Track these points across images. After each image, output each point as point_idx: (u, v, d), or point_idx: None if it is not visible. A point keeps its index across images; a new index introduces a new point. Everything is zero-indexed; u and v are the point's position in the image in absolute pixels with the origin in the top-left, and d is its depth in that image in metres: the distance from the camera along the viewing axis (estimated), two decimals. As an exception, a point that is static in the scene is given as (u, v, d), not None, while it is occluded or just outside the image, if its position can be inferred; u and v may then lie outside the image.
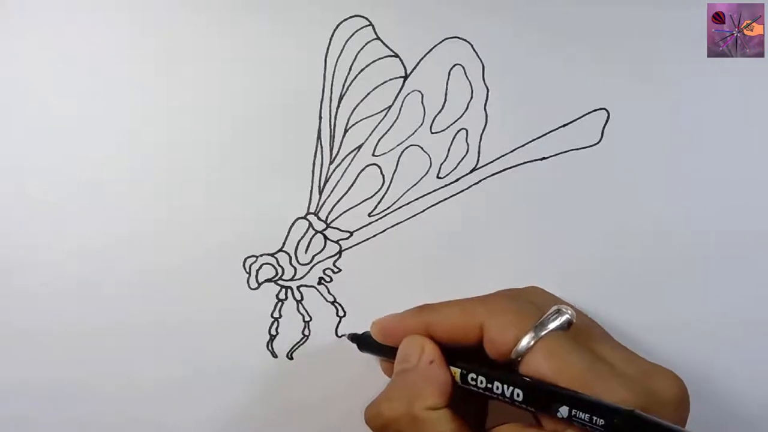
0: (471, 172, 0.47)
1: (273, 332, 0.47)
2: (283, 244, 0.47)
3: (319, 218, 0.47)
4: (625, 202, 0.46)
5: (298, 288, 0.47)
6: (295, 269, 0.47)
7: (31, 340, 0.47)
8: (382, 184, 0.47)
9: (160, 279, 0.47)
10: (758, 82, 0.46)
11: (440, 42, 0.46)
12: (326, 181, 0.47)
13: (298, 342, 0.47)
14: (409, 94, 0.47)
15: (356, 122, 0.47)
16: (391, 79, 0.47)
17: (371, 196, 0.47)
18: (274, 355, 0.47)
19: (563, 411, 0.35)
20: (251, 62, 0.46)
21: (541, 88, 0.46)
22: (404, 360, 0.41)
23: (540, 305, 0.40)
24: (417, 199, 0.47)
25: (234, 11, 0.46)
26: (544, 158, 0.47)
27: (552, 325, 0.38)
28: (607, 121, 0.46)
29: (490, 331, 0.39)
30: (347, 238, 0.47)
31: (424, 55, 0.47)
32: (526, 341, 0.38)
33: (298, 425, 0.47)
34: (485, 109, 0.47)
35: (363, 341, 0.45)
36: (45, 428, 0.47)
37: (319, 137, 0.47)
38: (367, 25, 0.46)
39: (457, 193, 0.47)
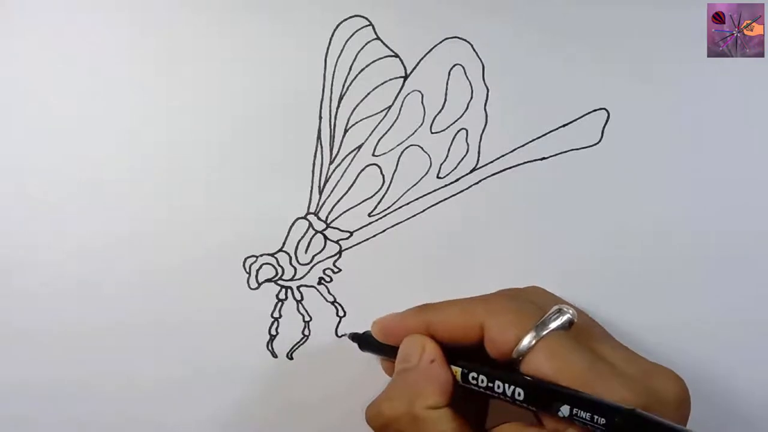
0: (471, 172, 0.47)
1: (273, 332, 0.47)
2: (283, 244, 0.47)
3: (319, 218, 0.47)
4: (625, 202, 0.46)
5: (298, 288, 0.47)
6: (295, 269, 0.47)
7: (31, 340, 0.47)
8: (382, 184, 0.47)
9: (160, 279, 0.47)
10: (758, 82, 0.46)
11: (440, 42, 0.46)
12: (326, 181, 0.47)
13: (298, 342, 0.47)
14: (409, 94, 0.47)
15: (356, 122, 0.47)
16: (391, 79, 0.47)
17: (371, 196, 0.47)
18: (274, 355, 0.47)
19: (564, 410, 0.35)
20: (251, 62, 0.46)
21: (541, 88, 0.46)
22: (405, 359, 0.41)
23: (541, 305, 0.40)
24: (417, 199, 0.47)
25: (234, 11, 0.46)
26: (544, 158, 0.47)
27: (553, 325, 0.38)
28: (607, 121, 0.46)
29: (491, 331, 0.39)
30: (347, 238, 0.47)
31: (424, 55, 0.47)
32: (527, 341, 0.38)
33: (298, 425, 0.47)
34: (485, 109, 0.47)
35: (364, 340, 0.45)
36: (45, 428, 0.47)
37: (319, 137, 0.47)
38: (367, 25, 0.46)
39: (457, 193, 0.47)
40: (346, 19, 0.46)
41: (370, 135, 0.47)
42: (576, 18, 0.46)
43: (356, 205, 0.47)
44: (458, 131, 0.47)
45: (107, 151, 0.46)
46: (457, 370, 0.40)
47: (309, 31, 0.46)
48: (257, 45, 0.46)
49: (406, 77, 0.47)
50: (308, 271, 0.47)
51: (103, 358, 0.47)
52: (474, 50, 0.46)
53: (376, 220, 0.47)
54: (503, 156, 0.47)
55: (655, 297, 0.46)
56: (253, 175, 0.47)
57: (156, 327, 0.47)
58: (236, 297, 0.47)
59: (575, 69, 0.46)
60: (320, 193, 0.47)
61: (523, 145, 0.47)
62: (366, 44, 0.46)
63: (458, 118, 0.47)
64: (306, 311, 0.47)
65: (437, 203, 0.47)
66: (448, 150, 0.47)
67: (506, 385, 0.37)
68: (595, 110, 0.46)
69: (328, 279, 0.47)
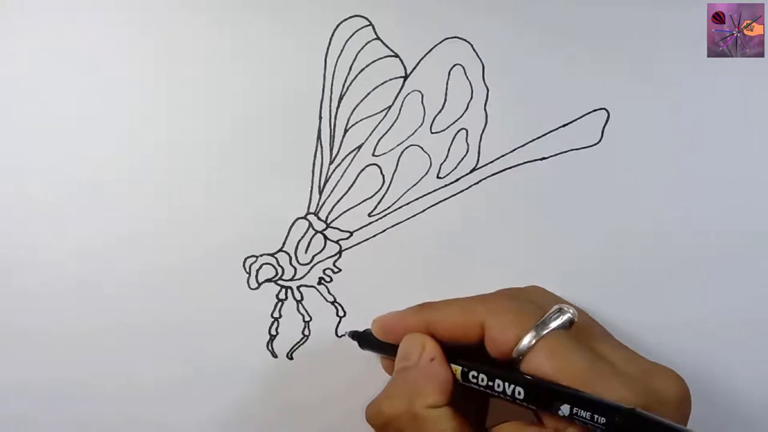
0: (471, 172, 0.47)
1: (273, 332, 0.47)
2: (283, 244, 0.47)
3: (319, 218, 0.47)
4: (625, 202, 0.46)
5: (298, 288, 0.47)
6: (295, 269, 0.47)
7: (31, 340, 0.47)
8: (382, 184, 0.47)
9: (160, 279, 0.47)
10: (758, 82, 0.46)
11: (440, 42, 0.46)
12: (326, 181, 0.47)
13: (298, 342, 0.47)
14: (409, 94, 0.47)
15: (356, 122, 0.47)
16: (391, 79, 0.47)
17: (371, 196, 0.47)
18: (274, 355, 0.47)
19: (564, 409, 0.35)
20: (251, 62, 0.46)
21: (541, 88, 0.46)
22: (405, 358, 0.41)
23: (541, 304, 0.40)
24: (417, 199, 0.47)
25: (234, 11, 0.46)
26: (544, 158, 0.47)
27: (554, 324, 0.38)
28: (607, 121, 0.46)
29: (491, 330, 0.39)
30: (347, 238, 0.47)
31: (424, 55, 0.47)
32: (527, 340, 0.38)
33: (298, 425, 0.47)
34: (485, 109, 0.47)
35: (363, 339, 0.45)
36: (45, 428, 0.47)
37: (319, 137, 0.47)
38: (367, 25, 0.46)
39: (457, 193, 0.47)
40: (346, 19, 0.46)
41: (370, 135, 0.47)
42: (576, 18, 0.46)
43: (356, 205, 0.47)
44: (458, 131, 0.47)
45: (107, 151, 0.46)
46: (457, 369, 0.40)
47: (309, 31, 0.46)
48: (257, 45, 0.46)
49: (406, 77, 0.47)
50: (308, 271, 0.47)
51: (103, 358, 0.47)
52: (474, 50, 0.46)
53: (376, 220, 0.47)
54: (503, 156, 0.47)
55: (655, 297, 0.46)
56: (253, 175, 0.47)
57: (156, 327, 0.47)
58: (236, 297, 0.47)
59: (575, 69, 0.46)
60: (320, 193, 0.47)
61: (523, 145, 0.47)
62: (366, 44, 0.46)
63: (458, 118, 0.47)
64: (306, 311, 0.47)
65: (437, 203, 0.47)
66: (448, 150, 0.47)
67: (506, 384, 0.37)
68: (595, 110, 0.46)
69: (328, 279, 0.47)
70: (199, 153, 0.47)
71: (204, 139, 0.46)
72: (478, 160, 0.47)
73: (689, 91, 0.46)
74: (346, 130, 0.47)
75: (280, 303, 0.47)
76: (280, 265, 0.47)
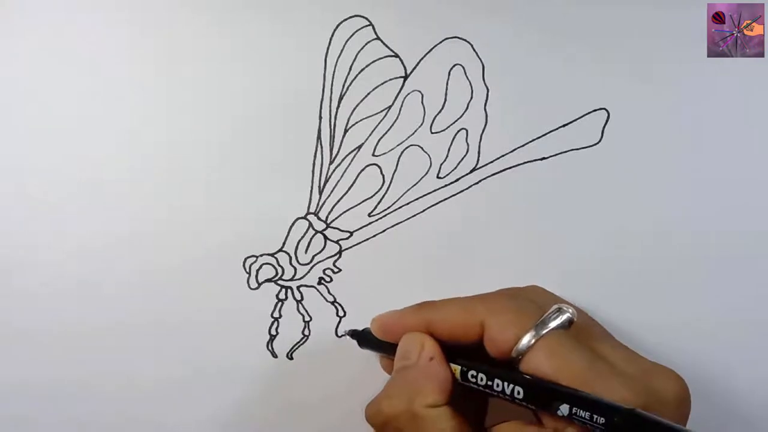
0: (471, 172, 0.47)
1: (273, 332, 0.47)
2: (283, 244, 0.47)
3: (319, 218, 0.47)
4: (625, 202, 0.46)
5: (298, 288, 0.47)
6: (295, 269, 0.47)
7: (31, 340, 0.47)
8: (382, 184, 0.47)
9: (160, 279, 0.47)
10: (758, 82, 0.46)
11: (440, 42, 0.46)
12: (326, 181, 0.47)
13: (298, 342, 0.47)
14: (409, 94, 0.47)
15: (356, 122, 0.47)
16: (391, 79, 0.47)
17: (371, 196, 0.47)
18: (274, 355, 0.47)
19: (564, 409, 0.35)
20: (251, 62, 0.46)
21: (541, 88, 0.46)
22: (404, 357, 0.41)
23: (541, 304, 0.40)
24: (417, 199, 0.47)
25: (234, 11, 0.46)
26: (544, 158, 0.47)
27: (553, 324, 0.38)
28: (607, 121, 0.46)
29: (491, 330, 0.39)
30: (347, 238, 0.47)
31: (424, 55, 0.47)
32: (526, 340, 0.38)
33: (298, 425, 0.47)
34: (485, 109, 0.47)
35: (363, 337, 0.45)
36: (45, 428, 0.47)
37: (319, 137, 0.47)
38: (367, 25, 0.46)
39: (457, 193, 0.47)
40: (346, 19, 0.46)
41: (370, 135, 0.47)
42: (576, 18, 0.46)
43: (356, 205, 0.47)
44: (458, 131, 0.47)
45: (107, 151, 0.46)
46: (456, 368, 0.40)
47: (309, 31, 0.46)
48: (257, 45, 0.46)
49: (406, 77, 0.47)
50: (308, 271, 0.47)
51: (103, 358, 0.47)
52: (474, 50, 0.46)
53: (376, 220, 0.47)
54: (503, 156, 0.47)
55: (655, 297, 0.46)
56: (253, 175, 0.47)
57: (156, 327, 0.47)
58: (236, 297, 0.47)
59: (575, 69, 0.46)
60: (320, 193, 0.47)
61: (523, 145, 0.47)
62: (366, 44, 0.46)
63: (458, 118, 0.47)
64: (306, 311, 0.47)
65: (437, 203, 0.47)
66: (448, 150, 0.47)
67: (505, 384, 0.37)
68: (595, 110, 0.46)
69: (328, 279, 0.47)
70: (199, 153, 0.47)
71: (204, 139, 0.46)
72: (478, 160, 0.47)
73: (689, 91, 0.46)
74: (346, 130, 0.47)
75: (280, 303, 0.47)
76: (280, 265, 0.47)
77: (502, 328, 0.39)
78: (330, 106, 0.47)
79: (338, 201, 0.47)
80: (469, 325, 0.40)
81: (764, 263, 0.46)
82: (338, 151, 0.47)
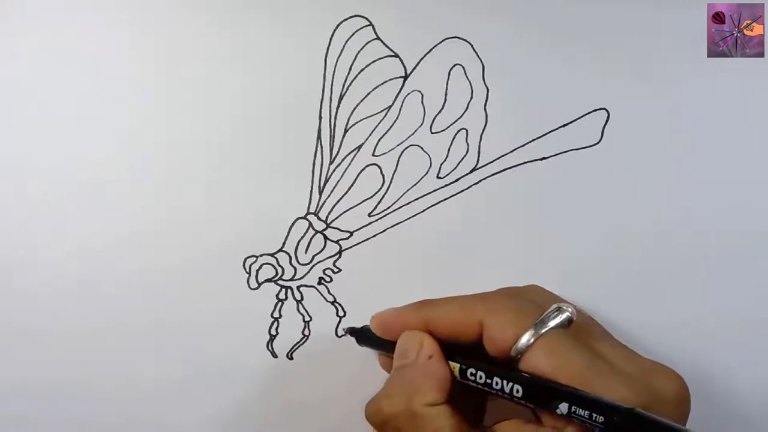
0: (471, 172, 0.47)
1: (273, 332, 0.47)
2: (283, 244, 0.47)
3: (319, 218, 0.47)
4: (625, 202, 0.46)
5: (298, 288, 0.47)
6: (295, 269, 0.47)
7: (31, 340, 0.47)
8: (382, 184, 0.47)
9: (160, 279, 0.47)
10: (758, 82, 0.46)
11: (440, 42, 0.46)
12: (326, 181, 0.47)
13: (298, 342, 0.47)
14: (409, 94, 0.47)
15: (356, 122, 0.47)
16: (391, 79, 0.47)
17: (371, 196, 0.47)
18: (274, 355, 0.47)
19: (563, 408, 0.35)
20: (251, 62, 0.46)
21: (541, 88, 0.46)
22: (403, 355, 0.41)
23: (540, 303, 0.40)
24: (417, 199, 0.47)
25: (234, 11, 0.46)
26: (544, 158, 0.47)
27: (552, 323, 0.38)
28: (607, 121, 0.46)
29: (490, 329, 0.39)
30: (347, 238, 0.47)
31: (424, 55, 0.47)
32: (526, 339, 0.38)
33: (298, 425, 0.47)
34: (485, 109, 0.47)
35: (362, 335, 0.45)
36: (45, 428, 0.47)
37: (319, 137, 0.47)
38: (367, 25, 0.46)
39: (457, 193, 0.47)
40: (346, 19, 0.46)
41: (370, 135, 0.47)
42: (576, 18, 0.46)
43: (356, 205, 0.47)
44: (458, 131, 0.47)
45: (107, 151, 0.46)
46: (455, 366, 0.40)
47: (309, 31, 0.46)
48: (257, 45, 0.46)
49: (406, 77, 0.47)
50: (308, 271, 0.47)
51: (103, 358, 0.47)
52: (474, 50, 0.46)
53: (376, 220, 0.47)
54: (503, 156, 0.47)
55: (655, 297, 0.46)
56: (253, 175, 0.47)
57: (156, 327, 0.47)
58: (236, 297, 0.47)
59: (575, 69, 0.46)
60: (320, 193, 0.47)
61: (523, 145, 0.47)
62: (366, 44, 0.46)
63: (458, 118, 0.47)
64: (306, 311, 0.47)
65: (437, 203, 0.47)
66: (448, 150, 0.47)
67: (504, 382, 0.37)
68: (595, 110, 0.46)
69: (328, 279, 0.47)
70: (199, 153, 0.47)
71: (204, 139, 0.46)
72: (478, 160, 0.47)
73: (689, 91, 0.46)
74: (346, 130, 0.47)
75: (280, 303, 0.47)
76: (280, 265, 0.47)
77: (501, 326, 0.39)
78: (330, 106, 0.47)
79: (338, 201, 0.47)
80: (468, 324, 0.40)
81: (764, 263, 0.46)
82: (338, 151, 0.47)
